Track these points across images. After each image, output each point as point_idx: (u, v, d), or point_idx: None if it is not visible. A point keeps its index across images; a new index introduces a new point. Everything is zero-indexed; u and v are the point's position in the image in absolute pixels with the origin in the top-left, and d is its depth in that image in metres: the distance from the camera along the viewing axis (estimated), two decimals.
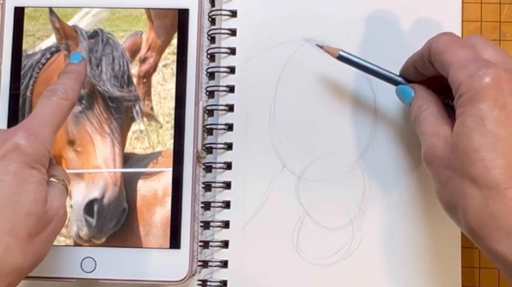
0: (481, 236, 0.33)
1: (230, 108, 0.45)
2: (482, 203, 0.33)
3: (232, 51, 0.45)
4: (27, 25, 0.45)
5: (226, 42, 0.45)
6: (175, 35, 0.44)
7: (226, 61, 0.45)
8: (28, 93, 0.44)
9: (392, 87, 0.44)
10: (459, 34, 0.44)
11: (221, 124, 0.45)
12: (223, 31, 0.45)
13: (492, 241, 0.32)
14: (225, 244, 0.44)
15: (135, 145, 0.44)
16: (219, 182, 0.45)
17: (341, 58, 0.42)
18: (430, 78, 0.39)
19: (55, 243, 0.42)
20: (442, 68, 0.36)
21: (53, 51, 0.45)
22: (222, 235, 0.44)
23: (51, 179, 0.38)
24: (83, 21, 0.45)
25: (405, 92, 0.40)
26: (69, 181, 0.40)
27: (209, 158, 0.45)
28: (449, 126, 0.36)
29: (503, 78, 0.33)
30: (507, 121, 0.33)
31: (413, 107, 0.39)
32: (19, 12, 0.45)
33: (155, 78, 0.44)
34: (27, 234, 0.34)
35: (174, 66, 0.44)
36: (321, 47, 0.42)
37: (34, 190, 0.35)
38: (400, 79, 0.41)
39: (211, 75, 0.45)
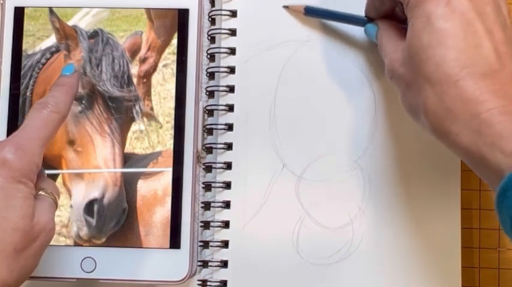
0: (443, 132, 0.33)
1: (230, 108, 0.45)
2: (437, 100, 0.33)
3: (232, 51, 0.45)
4: (27, 25, 0.45)
5: (226, 42, 0.45)
6: (175, 35, 0.44)
7: (226, 61, 0.45)
8: (28, 93, 0.44)
9: (391, 88, 0.44)
10: None
11: (221, 124, 0.45)
12: (223, 31, 0.45)
13: (453, 135, 0.33)
14: (225, 244, 0.44)
15: (135, 145, 0.44)
16: (219, 182, 0.45)
17: (308, 12, 0.44)
18: (394, 12, 0.40)
19: (55, 243, 0.43)
20: None
21: (53, 51, 0.45)
22: (222, 235, 0.44)
23: (40, 192, 0.37)
24: (83, 21, 0.45)
25: (370, 28, 0.41)
26: (59, 194, 0.39)
27: (209, 158, 0.45)
28: None
29: None
30: (453, 16, 0.33)
31: (377, 38, 0.40)
32: (19, 12, 0.45)
33: (155, 78, 0.44)
34: (14, 249, 0.34)
35: (174, 66, 0.44)
36: (287, 7, 0.44)
37: (21, 205, 0.34)
38: (365, 20, 0.42)
39: (211, 75, 0.45)
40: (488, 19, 0.34)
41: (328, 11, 0.44)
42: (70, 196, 0.43)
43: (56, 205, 0.38)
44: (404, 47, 0.36)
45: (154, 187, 0.43)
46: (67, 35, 0.45)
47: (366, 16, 0.42)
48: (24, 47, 0.45)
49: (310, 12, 0.44)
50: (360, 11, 0.42)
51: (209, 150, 0.45)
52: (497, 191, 0.31)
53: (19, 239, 0.34)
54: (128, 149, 0.44)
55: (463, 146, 0.32)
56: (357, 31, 0.44)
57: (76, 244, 0.43)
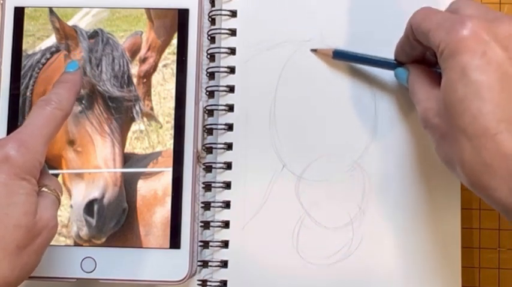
0: (480, 187, 0.33)
1: (230, 108, 0.45)
2: (474, 153, 0.32)
3: (232, 51, 0.45)
4: (27, 25, 0.45)
5: (226, 42, 0.45)
6: (175, 35, 0.44)
7: (226, 61, 0.45)
8: (28, 93, 0.44)
9: (391, 88, 0.44)
10: None
11: (221, 124, 0.45)
12: (223, 31, 0.45)
13: (491, 190, 0.32)
14: (225, 244, 0.44)
15: (135, 145, 0.44)
16: (219, 182, 0.45)
17: (337, 56, 0.43)
18: (425, 56, 0.40)
19: (55, 243, 0.43)
20: (425, 39, 0.36)
21: (53, 51, 0.45)
22: (222, 235, 0.44)
23: (43, 189, 0.37)
24: (83, 21, 0.45)
25: (400, 73, 0.41)
26: (62, 191, 0.39)
27: (209, 158, 0.45)
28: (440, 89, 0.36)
29: (480, 27, 0.33)
30: (488, 68, 0.33)
31: (409, 84, 0.40)
32: (19, 12, 0.45)
33: (155, 78, 0.44)
34: (16, 246, 0.34)
35: (174, 66, 0.44)
36: (315, 51, 0.44)
37: (23, 202, 0.34)
38: (395, 63, 0.42)
39: (211, 75, 0.45)
40: None
41: (358, 55, 0.43)
42: (70, 196, 0.43)
43: (58, 202, 0.38)
44: (439, 97, 0.35)
45: (154, 187, 0.43)
46: (67, 35, 0.45)
47: (395, 59, 0.42)
48: (24, 47, 0.45)
49: (339, 55, 0.44)
50: (388, 53, 0.42)
51: (209, 150, 0.45)
52: None
53: (21, 236, 0.34)
54: (128, 149, 0.44)
55: (502, 202, 0.32)
56: (357, 29, 0.44)
57: (76, 244, 0.43)
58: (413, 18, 0.38)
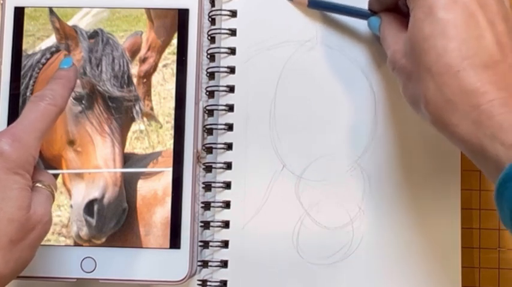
0: (443, 124, 0.33)
1: (230, 108, 0.45)
2: (437, 91, 0.33)
3: (232, 51, 0.45)
4: (27, 25, 0.45)
5: (226, 42, 0.45)
6: (175, 35, 0.44)
7: (226, 61, 0.45)
8: (28, 93, 0.44)
9: (391, 88, 0.44)
10: None
11: (221, 124, 0.45)
12: (223, 31, 0.45)
13: (453, 126, 0.33)
14: (225, 244, 0.44)
15: (135, 145, 0.44)
16: (219, 182, 0.45)
17: (311, 5, 0.44)
18: (397, 5, 0.40)
19: (55, 243, 0.43)
20: None
21: (53, 51, 0.45)
22: (222, 235, 0.44)
23: (37, 184, 0.37)
24: (83, 21, 0.45)
25: (373, 21, 0.41)
26: (56, 187, 0.39)
27: (209, 158, 0.45)
28: None
29: None
30: (455, 6, 0.33)
31: (380, 31, 0.40)
32: (19, 12, 0.45)
33: (155, 78, 0.44)
34: (9, 240, 0.34)
35: (174, 66, 0.44)
36: (291, 1, 0.45)
37: (17, 196, 0.34)
38: (368, 12, 0.42)
39: (211, 75, 0.45)
40: (490, 11, 0.34)
41: (332, 3, 0.44)
42: (70, 196, 0.43)
43: (53, 198, 0.38)
44: (406, 38, 0.36)
45: (154, 187, 0.43)
46: (67, 35, 0.45)
47: (369, 9, 0.42)
48: (24, 47, 0.45)
49: (314, 4, 0.44)
50: (362, 4, 0.42)
51: (209, 150, 0.45)
52: (497, 182, 0.31)
53: (15, 230, 0.34)
54: (128, 149, 0.44)
55: (463, 138, 0.32)
56: (357, 29, 0.45)
57: (76, 244, 0.43)
58: None
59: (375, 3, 0.41)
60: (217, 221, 0.44)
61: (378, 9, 0.41)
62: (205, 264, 0.44)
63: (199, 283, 0.44)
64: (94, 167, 0.43)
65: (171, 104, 0.44)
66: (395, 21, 0.39)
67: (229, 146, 0.45)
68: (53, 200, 0.38)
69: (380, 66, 0.44)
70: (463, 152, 0.34)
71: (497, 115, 0.31)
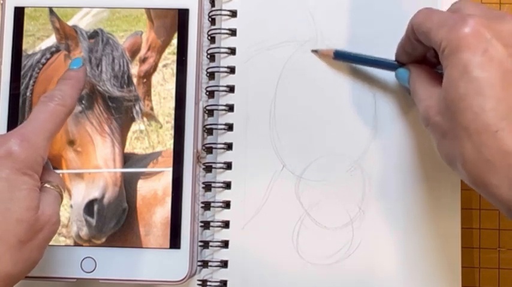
0: (482, 184, 0.33)
1: (230, 108, 0.45)
2: (475, 150, 0.32)
3: (232, 51, 0.45)
4: (27, 25, 0.45)
5: (226, 42, 0.45)
6: (175, 35, 0.44)
7: (226, 61, 0.45)
8: (28, 93, 0.44)
9: (391, 88, 0.44)
10: None
11: (221, 124, 0.45)
12: (223, 31, 0.45)
13: (492, 187, 0.32)
14: (225, 244, 0.44)
15: (135, 144, 0.44)
16: (219, 182, 0.45)
17: (338, 57, 0.43)
18: (426, 57, 0.40)
19: (55, 243, 0.43)
20: (426, 38, 0.36)
21: (53, 51, 0.45)
22: (222, 235, 0.44)
23: (45, 185, 0.37)
24: (83, 21, 0.45)
25: (401, 73, 0.41)
26: (64, 187, 0.39)
27: (209, 158, 0.45)
28: (441, 87, 0.36)
29: (481, 25, 0.33)
30: (490, 65, 0.33)
31: (410, 83, 0.40)
32: (19, 12, 0.45)
33: (155, 78, 0.44)
34: (18, 241, 0.34)
35: (174, 66, 0.44)
36: (316, 52, 0.44)
37: (25, 197, 0.34)
38: (396, 64, 0.42)
39: (211, 75, 0.45)
40: None
41: (358, 56, 0.43)
42: (70, 196, 0.43)
43: (61, 198, 0.38)
44: (440, 95, 0.35)
45: (154, 187, 0.43)
46: (67, 35, 0.45)
47: (396, 60, 0.42)
48: (24, 47, 0.45)
49: (340, 56, 0.44)
50: (388, 54, 0.42)
51: (209, 150, 0.45)
52: None
53: (23, 230, 0.34)
54: (128, 149, 0.44)
55: (503, 199, 0.32)
56: (357, 28, 0.45)
57: (76, 244, 0.43)
58: (414, 18, 0.38)
59: (403, 55, 0.41)
60: (217, 221, 0.44)
61: (405, 61, 0.41)
62: (205, 264, 0.44)
63: (199, 283, 0.44)
64: (94, 167, 0.43)
65: (171, 104, 0.44)
66: (426, 74, 0.39)
67: (229, 146, 0.45)
68: (61, 201, 0.38)
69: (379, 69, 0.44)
70: (502, 212, 0.33)
71: None
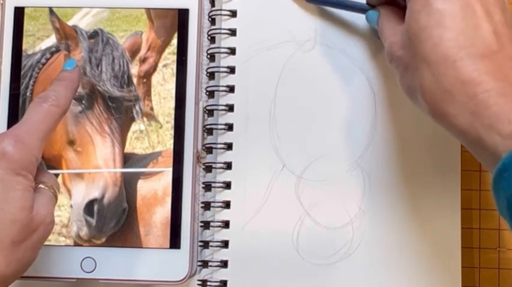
0: (440, 114, 0.33)
1: (230, 108, 0.45)
2: (434, 80, 0.33)
3: (232, 51, 0.45)
4: (27, 25, 0.45)
5: (226, 42, 0.45)
6: (175, 35, 0.44)
7: (226, 61, 0.45)
8: (28, 93, 0.44)
9: (391, 88, 0.44)
10: None
11: (221, 124, 0.45)
12: (223, 31, 0.45)
13: (450, 116, 0.33)
14: (225, 244, 0.44)
15: (135, 144, 0.44)
16: (219, 182, 0.45)
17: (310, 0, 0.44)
18: (394, 1, 0.40)
19: (55, 243, 0.43)
20: None
21: (53, 51, 0.45)
22: (222, 235, 0.44)
23: (40, 185, 0.37)
24: (83, 21, 0.45)
25: (371, 15, 0.41)
26: (59, 188, 0.39)
27: (209, 158, 0.45)
28: None
29: None
30: None
31: (378, 24, 0.40)
32: (19, 12, 0.45)
33: (155, 78, 0.44)
34: (11, 241, 0.34)
35: (174, 66, 0.44)
36: None
37: (20, 197, 0.34)
38: (366, 6, 0.42)
39: (211, 75, 0.45)
40: (487, 1, 0.34)
41: None
42: (70, 196, 0.43)
43: (56, 199, 0.38)
44: (403, 29, 0.36)
45: (154, 187, 0.43)
46: (67, 35, 0.45)
47: (367, 3, 0.42)
48: (24, 47, 0.45)
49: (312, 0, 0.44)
50: None
51: (209, 150, 0.45)
52: (494, 173, 0.30)
53: (17, 231, 0.34)
54: (128, 149, 0.44)
55: (460, 128, 0.32)
56: (357, 29, 0.45)
57: (76, 244, 0.43)
58: None
59: None
60: (217, 221, 0.44)
61: (375, 3, 0.41)
62: (205, 264, 0.44)
63: (199, 283, 0.44)
64: (94, 167, 0.43)
65: (171, 104, 0.44)
66: (393, 13, 0.39)
67: (229, 146, 0.45)
68: (56, 201, 0.38)
69: (380, 66, 0.44)
70: (461, 142, 0.34)
71: (494, 105, 0.31)
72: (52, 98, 0.38)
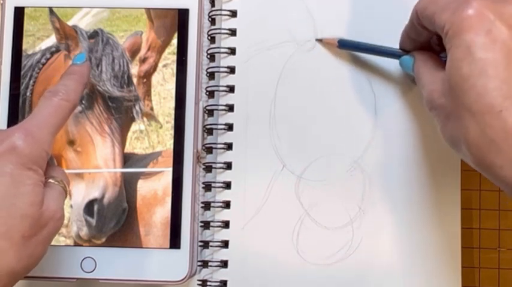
0: (486, 165, 0.33)
1: (230, 108, 0.45)
2: (479, 131, 0.32)
3: (232, 51, 0.45)
4: (27, 25, 0.45)
5: (226, 42, 0.45)
6: (175, 35, 0.44)
7: (226, 61, 0.45)
8: (28, 93, 0.44)
9: (391, 88, 0.44)
10: None
11: (221, 124, 0.45)
12: (223, 31, 0.45)
13: (496, 167, 0.32)
14: (225, 244, 0.44)
15: (135, 144, 0.44)
16: (219, 182, 0.45)
17: (342, 45, 0.43)
18: (430, 44, 0.40)
19: (55, 243, 0.43)
20: (430, 22, 0.36)
21: (53, 51, 0.45)
22: (222, 235, 0.44)
23: (50, 180, 0.37)
24: (83, 21, 0.45)
25: (406, 61, 0.41)
26: (69, 182, 0.39)
27: (209, 158, 0.45)
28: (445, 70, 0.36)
29: (485, 7, 0.33)
30: (493, 45, 0.33)
31: (414, 70, 0.40)
32: (19, 12, 0.45)
33: (155, 78, 0.44)
34: (22, 236, 0.34)
35: (174, 66, 0.44)
36: (321, 41, 0.44)
37: (30, 192, 0.34)
38: (400, 52, 0.41)
39: (211, 75, 0.45)
40: None
41: (362, 44, 0.43)
42: (70, 196, 0.43)
43: (65, 194, 0.38)
44: (444, 77, 0.35)
45: (154, 187, 0.43)
46: (67, 35, 0.45)
47: (400, 48, 0.41)
48: (24, 47, 0.45)
49: (344, 45, 0.44)
50: (392, 43, 0.42)
51: (209, 150, 0.45)
52: None
53: (27, 226, 0.34)
54: (128, 149, 0.44)
55: (507, 179, 0.32)
56: (357, 28, 0.45)
57: (76, 244, 0.43)
58: (419, 3, 0.38)
59: (407, 42, 0.40)
60: (217, 221, 0.44)
61: (410, 48, 0.41)
62: (205, 264, 0.44)
63: (199, 283, 0.44)
64: (94, 167, 0.43)
65: (171, 104, 0.44)
66: (430, 60, 0.39)
67: (229, 146, 0.45)
68: (66, 196, 0.38)
69: (380, 66, 0.44)
70: (507, 193, 0.33)
71: None
72: (62, 92, 0.38)
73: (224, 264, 0.44)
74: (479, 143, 0.32)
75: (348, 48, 0.44)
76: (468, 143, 0.33)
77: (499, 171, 0.32)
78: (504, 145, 0.32)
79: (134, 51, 0.44)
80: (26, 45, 0.45)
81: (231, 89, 0.45)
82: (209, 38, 0.46)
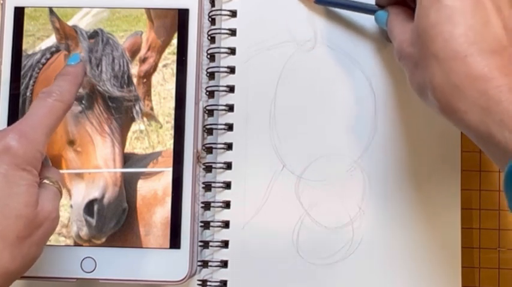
0: (451, 110, 0.33)
1: (230, 108, 0.45)
2: (445, 77, 0.33)
3: (232, 51, 0.45)
4: (27, 25, 0.45)
5: (226, 42, 0.45)
6: (175, 35, 0.44)
7: (226, 61, 0.45)
8: (28, 93, 0.44)
9: (391, 88, 0.44)
10: None
11: (221, 124, 0.45)
12: (223, 31, 0.45)
13: (460, 113, 0.32)
14: (225, 244, 0.44)
15: (135, 144, 0.44)
16: (219, 182, 0.45)
17: (318, 1, 0.44)
18: (404, 1, 0.40)
19: (55, 243, 0.43)
20: None
21: (53, 51, 0.45)
22: (222, 235, 0.44)
23: (44, 181, 0.37)
24: (83, 21, 0.45)
25: (381, 15, 0.41)
26: (64, 183, 0.39)
27: (209, 158, 0.45)
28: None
29: None
30: None
31: (387, 24, 0.40)
32: (19, 12, 0.45)
33: (155, 78, 0.44)
34: (16, 237, 0.34)
35: (174, 66, 0.44)
36: None
37: (24, 192, 0.34)
38: (375, 7, 0.42)
39: (211, 75, 0.45)
40: None
41: (338, 1, 0.43)
42: (70, 196, 0.43)
43: (61, 194, 0.38)
44: (413, 26, 0.36)
45: (154, 187, 0.43)
46: (67, 35, 0.45)
47: (376, 4, 0.42)
48: (24, 47, 0.45)
49: (320, 0, 0.44)
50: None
51: (209, 150, 0.45)
52: (506, 170, 0.30)
53: (22, 226, 0.34)
54: (128, 149, 0.44)
55: (471, 124, 0.32)
56: (357, 28, 0.45)
57: (76, 244, 0.43)
58: None
59: None
60: (217, 221, 0.44)
61: (385, 3, 0.41)
62: (205, 264, 0.44)
63: (199, 283, 0.44)
64: (94, 167, 0.43)
65: (171, 104, 0.44)
66: (403, 13, 0.39)
67: (229, 146, 0.45)
68: (61, 197, 0.38)
69: (380, 67, 0.44)
70: (472, 139, 0.33)
71: (505, 101, 0.31)
72: (56, 93, 0.38)
73: (224, 264, 0.44)
74: (445, 89, 0.33)
75: (324, 3, 0.44)
76: (434, 89, 0.33)
77: (463, 116, 0.32)
78: (468, 90, 0.32)
79: (134, 51, 0.44)
80: (26, 45, 0.45)
81: (231, 89, 0.45)
82: (209, 38, 0.46)
